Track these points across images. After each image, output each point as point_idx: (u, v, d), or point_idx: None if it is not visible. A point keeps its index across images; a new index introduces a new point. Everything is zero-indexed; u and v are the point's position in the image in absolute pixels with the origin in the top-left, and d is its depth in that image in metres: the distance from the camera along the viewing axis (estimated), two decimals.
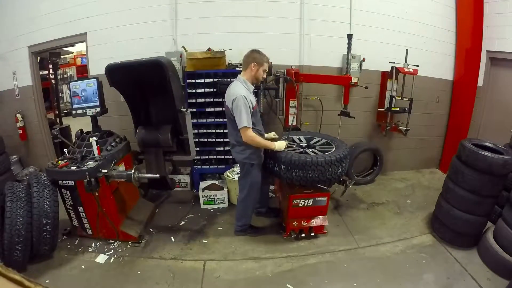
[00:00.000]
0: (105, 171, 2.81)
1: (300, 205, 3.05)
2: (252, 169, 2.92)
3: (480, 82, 4.47)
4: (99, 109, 3.22)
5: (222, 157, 4.07)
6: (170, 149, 3.39)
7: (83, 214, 3.00)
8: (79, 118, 3.36)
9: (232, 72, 3.76)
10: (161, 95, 3.25)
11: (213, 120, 3.91)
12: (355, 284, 2.61)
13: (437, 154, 5.05)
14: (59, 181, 2.85)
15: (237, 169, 3.91)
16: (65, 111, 6.35)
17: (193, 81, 3.75)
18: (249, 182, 2.98)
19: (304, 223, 3.11)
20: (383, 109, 4.29)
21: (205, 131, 3.95)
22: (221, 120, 3.89)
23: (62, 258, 2.90)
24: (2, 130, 4.42)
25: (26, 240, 2.54)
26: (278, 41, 4.01)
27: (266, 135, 3.12)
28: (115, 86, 3.10)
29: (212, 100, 3.82)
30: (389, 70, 4.16)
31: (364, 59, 4.07)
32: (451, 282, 2.63)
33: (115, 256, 2.95)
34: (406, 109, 4.13)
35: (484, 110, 4.52)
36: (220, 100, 3.79)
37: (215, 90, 3.74)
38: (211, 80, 3.74)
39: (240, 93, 2.63)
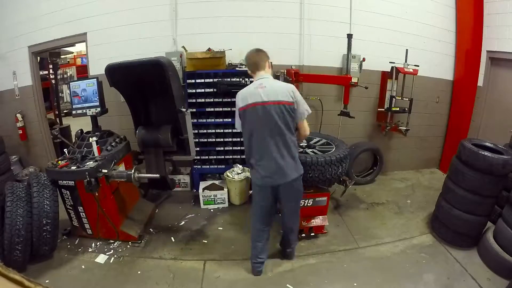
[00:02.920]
0: (105, 171, 2.82)
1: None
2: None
3: (480, 82, 4.47)
4: (99, 109, 3.22)
5: (222, 157, 4.07)
6: (170, 149, 3.38)
7: (83, 214, 3.00)
8: (79, 118, 3.36)
9: (232, 72, 3.76)
10: (161, 95, 3.25)
11: (213, 120, 3.91)
12: (355, 284, 2.61)
13: (437, 154, 5.05)
14: (59, 181, 2.85)
15: (237, 169, 3.91)
16: (65, 111, 6.35)
17: (193, 81, 3.75)
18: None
19: (304, 223, 3.10)
20: (383, 109, 4.29)
21: (205, 131, 3.96)
22: (221, 120, 3.89)
23: (62, 258, 2.90)
24: (2, 130, 4.42)
25: (26, 240, 2.54)
26: (278, 41, 4.01)
27: None
28: (115, 86, 3.10)
29: (212, 100, 3.82)
30: (389, 70, 4.16)
31: (364, 59, 4.07)
32: (451, 282, 2.63)
33: (115, 256, 2.95)
34: (406, 109, 4.13)
35: (484, 110, 4.51)
36: (220, 100, 3.80)
37: (215, 90, 3.74)
38: (211, 80, 3.74)
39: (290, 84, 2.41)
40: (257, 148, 2.35)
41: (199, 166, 4.12)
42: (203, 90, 3.79)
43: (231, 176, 3.81)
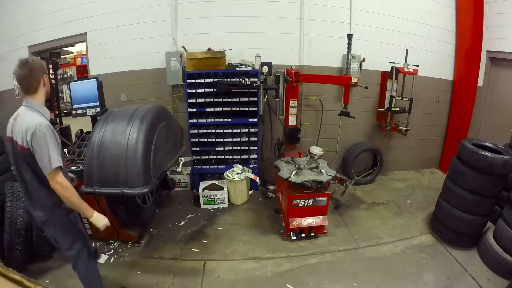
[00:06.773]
0: None
1: (300, 205, 3.05)
2: None
3: (480, 82, 4.48)
4: (99, 109, 3.22)
5: (222, 157, 4.07)
6: None
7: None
8: (79, 118, 3.36)
9: (232, 72, 3.77)
10: None
11: (213, 120, 3.91)
12: (355, 284, 2.61)
13: (437, 154, 5.05)
14: None
15: (237, 169, 3.92)
16: (65, 111, 6.34)
17: (193, 81, 3.76)
18: None
19: (304, 223, 3.11)
20: (383, 109, 4.29)
21: (205, 131, 3.96)
22: (221, 120, 3.89)
23: (62, 258, 2.88)
24: (2, 130, 4.41)
25: (26, 240, 2.55)
26: (278, 41, 4.01)
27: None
28: None
29: (212, 100, 3.82)
30: (389, 70, 4.16)
31: (364, 59, 4.08)
32: (451, 282, 2.63)
33: (115, 256, 2.95)
34: (406, 109, 4.13)
35: (484, 110, 4.52)
36: (220, 100, 3.81)
37: (215, 90, 3.74)
38: (211, 80, 3.74)
39: (40, 121, 1.80)
40: None
41: (199, 166, 4.12)
42: (203, 90, 3.79)
43: (231, 176, 3.81)
